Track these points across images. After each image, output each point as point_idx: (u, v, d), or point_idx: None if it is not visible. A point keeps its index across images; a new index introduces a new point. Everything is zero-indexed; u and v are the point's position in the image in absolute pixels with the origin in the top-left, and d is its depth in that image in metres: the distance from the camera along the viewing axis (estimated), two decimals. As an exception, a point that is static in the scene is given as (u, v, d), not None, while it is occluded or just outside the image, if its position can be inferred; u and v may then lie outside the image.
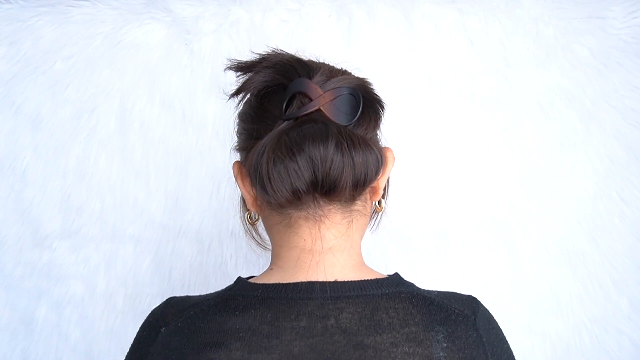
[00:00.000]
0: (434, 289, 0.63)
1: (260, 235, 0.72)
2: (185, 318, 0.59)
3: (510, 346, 0.64)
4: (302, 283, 0.58)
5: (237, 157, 0.67)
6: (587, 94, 1.11)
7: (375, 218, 0.69)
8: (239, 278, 0.62)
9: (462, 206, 1.11)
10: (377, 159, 0.57)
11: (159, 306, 0.63)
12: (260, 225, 0.70)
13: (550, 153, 1.11)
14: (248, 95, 0.63)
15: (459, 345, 0.56)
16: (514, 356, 0.63)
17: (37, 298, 1.15)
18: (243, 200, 0.68)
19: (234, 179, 0.65)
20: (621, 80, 1.10)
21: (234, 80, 0.63)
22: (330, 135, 0.54)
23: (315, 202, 0.58)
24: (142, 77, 1.17)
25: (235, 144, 0.67)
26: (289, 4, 1.15)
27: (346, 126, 0.57)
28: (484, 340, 0.58)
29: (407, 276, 0.63)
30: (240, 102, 0.65)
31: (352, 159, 0.54)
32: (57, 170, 1.16)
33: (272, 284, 0.58)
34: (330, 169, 0.54)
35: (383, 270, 0.65)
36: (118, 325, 1.13)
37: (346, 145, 0.54)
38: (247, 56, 0.63)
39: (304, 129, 0.55)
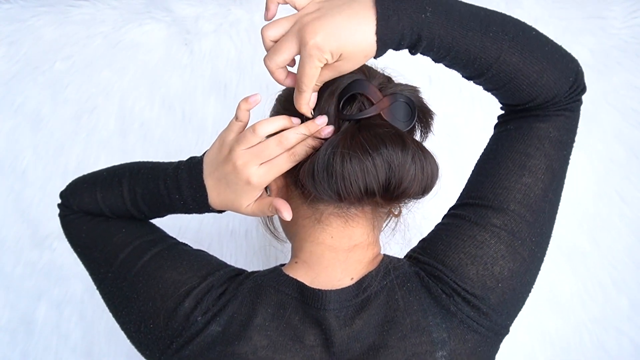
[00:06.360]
0: None
1: (274, 227, 0.71)
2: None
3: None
4: (325, 292, 0.57)
5: None
6: (587, 94, 1.10)
7: (389, 219, 0.68)
8: (277, 268, 0.61)
9: (462, 206, 1.11)
10: (438, 170, 0.57)
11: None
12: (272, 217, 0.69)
13: (550, 153, 1.11)
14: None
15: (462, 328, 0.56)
16: None
17: (37, 298, 1.15)
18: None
19: None
20: (621, 80, 1.10)
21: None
22: (407, 143, 0.54)
23: (360, 201, 0.56)
24: (142, 77, 1.17)
25: None
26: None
27: None
28: None
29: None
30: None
31: (423, 169, 0.54)
32: (57, 170, 1.16)
33: (304, 285, 0.57)
34: (404, 176, 0.53)
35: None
36: (118, 325, 1.13)
37: (419, 156, 0.54)
38: None
39: (379, 131, 0.54)
